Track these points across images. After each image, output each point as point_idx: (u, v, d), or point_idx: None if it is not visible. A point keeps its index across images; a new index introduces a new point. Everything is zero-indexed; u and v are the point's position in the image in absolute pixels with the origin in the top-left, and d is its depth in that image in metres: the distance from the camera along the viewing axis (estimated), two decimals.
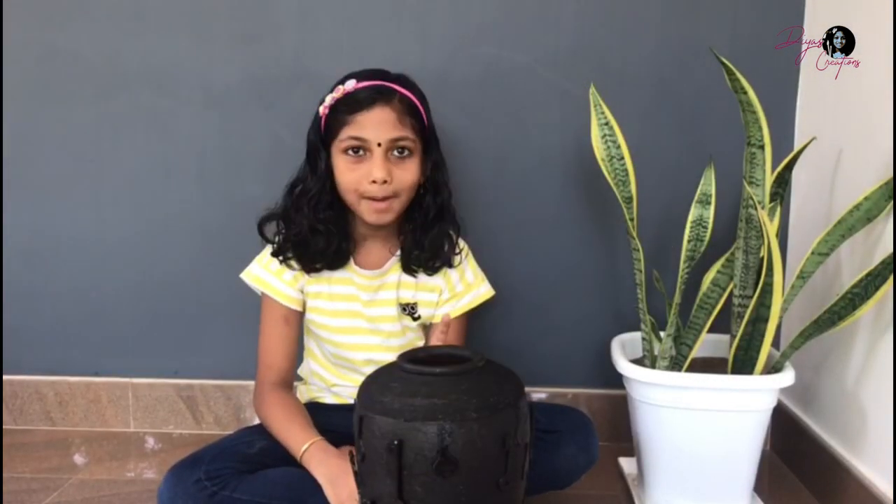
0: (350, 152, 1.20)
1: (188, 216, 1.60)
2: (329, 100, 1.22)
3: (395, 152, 1.21)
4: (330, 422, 1.24)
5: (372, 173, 1.18)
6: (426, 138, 1.25)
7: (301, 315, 1.32)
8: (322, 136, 1.24)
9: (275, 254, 1.28)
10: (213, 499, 1.08)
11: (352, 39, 1.52)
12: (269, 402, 1.25)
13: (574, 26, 1.50)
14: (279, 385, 1.28)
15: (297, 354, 1.33)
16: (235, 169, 1.57)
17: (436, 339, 1.19)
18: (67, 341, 1.66)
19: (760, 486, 1.34)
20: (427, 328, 1.36)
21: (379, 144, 1.19)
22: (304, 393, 1.38)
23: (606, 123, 1.28)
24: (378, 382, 0.98)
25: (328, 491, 1.09)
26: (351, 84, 1.20)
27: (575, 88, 1.49)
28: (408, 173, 1.22)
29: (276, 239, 1.29)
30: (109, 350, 1.66)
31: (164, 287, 1.63)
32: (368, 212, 1.22)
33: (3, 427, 1.67)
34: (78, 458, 1.54)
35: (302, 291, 1.30)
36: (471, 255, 1.37)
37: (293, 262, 1.28)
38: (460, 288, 1.34)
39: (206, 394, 1.66)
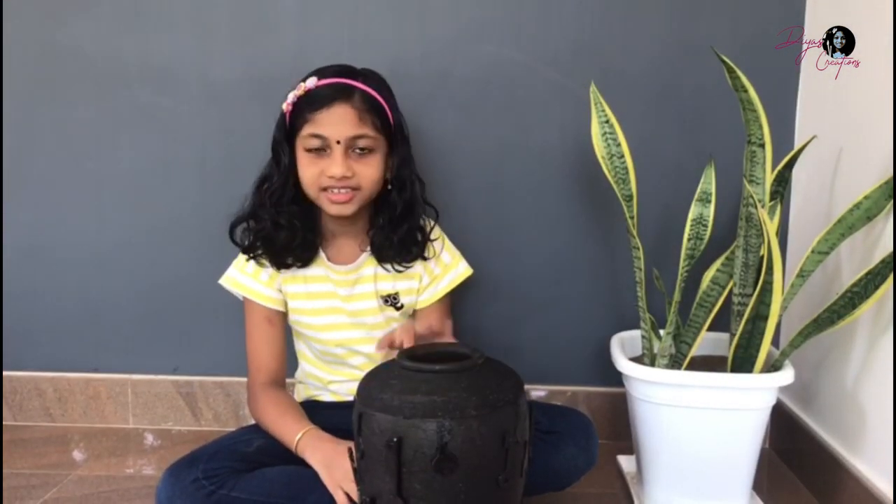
0: (312, 149, 1.21)
1: (188, 213, 1.60)
2: (291, 97, 1.22)
3: (357, 149, 1.21)
4: (329, 420, 1.24)
5: (330, 169, 1.19)
6: (391, 134, 1.25)
7: (284, 315, 1.32)
8: (286, 132, 1.24)
9: (245, 251, 1.28)
10: (210, 498, 1.08)
11: (352, 37, 1.52)
12: (262, 402, 1.25)
13: (574, 25, 1.50)
14: (270, 385, 1.28)
15: (286, 354, 1.33)
16: (235, 167, 1.57)
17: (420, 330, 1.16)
18: (67, 338, 1.66)
19: (759, 485, 1.35)
20: (412, 316, 1.37)
21: (338, 142, 1.19)
22: (301, 392, 1.38)
23: (607, 121, 1.28)
24: (377, 379, 0.98)
25: (323, 475, 1.09)
26: (312, 82, 1.20)
27: (575, 87, 1.49)
28: (370, 168, 1.22)
29: (247, 238, 1.29)
30: (109, 347, 1.66)
31: (164, 284, 1.63)
32: (328, 204, 1.23)
33: (3, 423, 1.67)
34: (77, 455, 1.54)
35: (280, 291, 1.30)
36: (445, 237, 1.37)
37: (264, 260, 1.28)
38: (438, 270, 1.34)
39: (205, 390, 1.66)
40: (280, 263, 1.27)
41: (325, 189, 1.21)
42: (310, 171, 1.21)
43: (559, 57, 1.50)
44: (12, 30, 1.56)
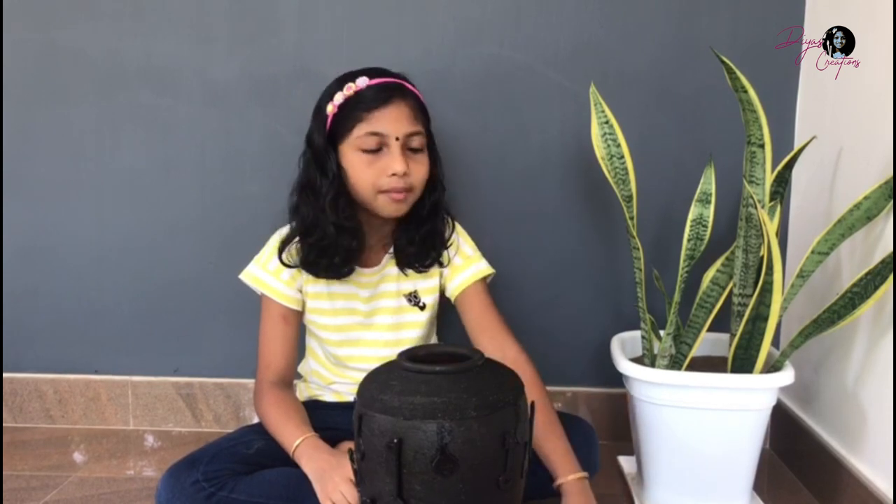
0: (367, 150, 1.20)
1: (188, 214, 1.60)
2: (339, 98, 1.20)
3: (411, 148, 1.21)
4: (331, 419, 1.25)
5: (392, 167, 1.18)
6: (430, 136, 1.27)
7: (300, 314, 1.32)
8: (329, 135, 1.23)
9: (305, 267, 1.26)
10: (210, 499, 1.09)
11: (352, 38, 1.52)
12: (267, 400, 1.25)
13: (574, 26, 1.50)
14: (278, 384, 1.28)
15: (297, 354, 1.33)
16: (235, 167, 1.57)
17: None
18: (67, 339, 1.66)
19: (760, 485, 1.35)
20: (434, 322, 1.38)
21: (397, 139, 1.19)
22: (303, 391, 1.38)
23: (606, 122, 1.28)
24: (378, 381, 0.98)
25: (316, 486, 1.09)
26: (363, 81, 1.20)
27: (575, 87, 1.49)
28: (422, 167, 1.23)
29: (297, 252, 1.26)
30: (109, 348, 1.66)
31: (164, 285, 1.63)
32: (386, 203, 1.22)
33: (3, 425, 1.67)
34: (77, 456, 1.54)
35: (300, 291, 1.30)
36: (464, 232, 1.37)
37: (323, 272, 1.25)
38: (459, 261, 1.33)
39: (205, 392, 1.66)
40: (338, 274, 1.26)
41: (381, 191, 1.21)
42: (367, 173, 1.20)
43: (559, 57, 1.50)
44: (13, 31, 1.56)
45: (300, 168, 1.27)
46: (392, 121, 1.18)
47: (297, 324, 1.32)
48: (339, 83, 1.22)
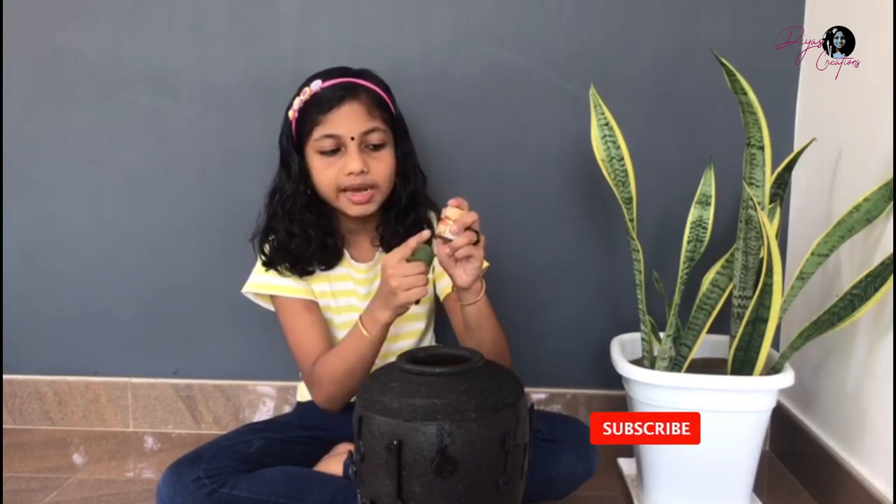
0: (326, 151, 1.22)
1: (188, 216, 1.60)
2: (297, 103, 1.23)
3: (371, 146, 1.23)
4: (331, 420, 1.24)
5: (349, 166, 1.20)
6: (396, 129, 1.27)
7: (317, 304, 1.30)
8: (294, 139, 1.25)
9: (266, 265, 1.28)
10: (211, 496, 1.09)
11: (352, 39, 1.52)
12: (319, 365, 1.23)
13: (574, 26, 1.50)
14: None
15: (330, 337, 1.30)
16: (235, 169, 1.57)
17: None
18: (67, 341, 1.66)
19: (759, 487, 1.34)
20: (434, 313, 1.38)
21: (352, 138, 1.20)
22: (304, 393, 1.38)
23: (606, 124, 1.28)
24: (378, 382, 0.98)
25: (389, 287, 1.11)
26: (317, 85, 1.22)
27: (575, 89, 1.49)
28: (384, 164, 1.24)
29: (267, 250, 1.29)
30: (109, 350, 1.66)
31: (164, 287, 1.63)
32: (348, 205, 1.24)
33: (3, 426, 1.67)
34: (77, 458, 1.54)
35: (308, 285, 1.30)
36: None
37: (286, 270, 1.27)
38: None
39: (205, 394, 1.66)
40: (302, 271, 1.27)
41: (343, 190, 1.22)
42: (327, 174, 1.22)
43: (559, 59, 1.50)
44: (13, 32, 1.56)
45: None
46: (345, 121, 1.20)
47: (319, 311, 1.30)
48: (299, 88, 1.25)
